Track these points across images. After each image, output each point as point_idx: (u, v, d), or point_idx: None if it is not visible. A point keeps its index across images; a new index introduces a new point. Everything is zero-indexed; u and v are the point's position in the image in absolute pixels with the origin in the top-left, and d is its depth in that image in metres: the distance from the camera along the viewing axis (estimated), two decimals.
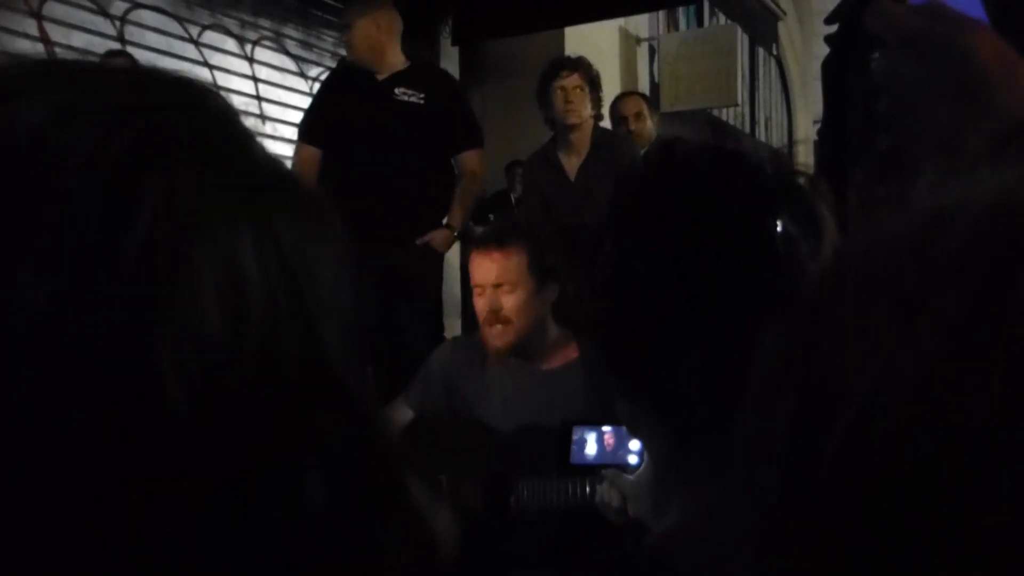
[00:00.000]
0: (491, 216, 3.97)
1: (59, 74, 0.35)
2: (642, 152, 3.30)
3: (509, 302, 1.92)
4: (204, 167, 0.33)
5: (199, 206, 0.32)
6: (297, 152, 3.09)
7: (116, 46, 3.57)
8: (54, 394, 0.28)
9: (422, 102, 3.03)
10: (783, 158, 0.68)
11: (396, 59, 3.11)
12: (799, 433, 0.24)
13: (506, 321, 1.93)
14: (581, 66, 3.23)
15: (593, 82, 3.22)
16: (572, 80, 3.16)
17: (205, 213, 0.32)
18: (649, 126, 3.76)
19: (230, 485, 0.31)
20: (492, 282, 1.93)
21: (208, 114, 0.36)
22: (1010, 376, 0.20)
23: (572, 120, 3.17)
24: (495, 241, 1.96)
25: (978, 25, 0.55)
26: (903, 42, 0.55)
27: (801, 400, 0.24)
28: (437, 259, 3.14)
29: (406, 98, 3.02)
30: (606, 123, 3.63)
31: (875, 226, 0.27)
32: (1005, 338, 0.21)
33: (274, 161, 0.37)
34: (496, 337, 1.94)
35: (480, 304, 1.96)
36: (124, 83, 0.35)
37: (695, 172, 0.67)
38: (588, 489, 1.65)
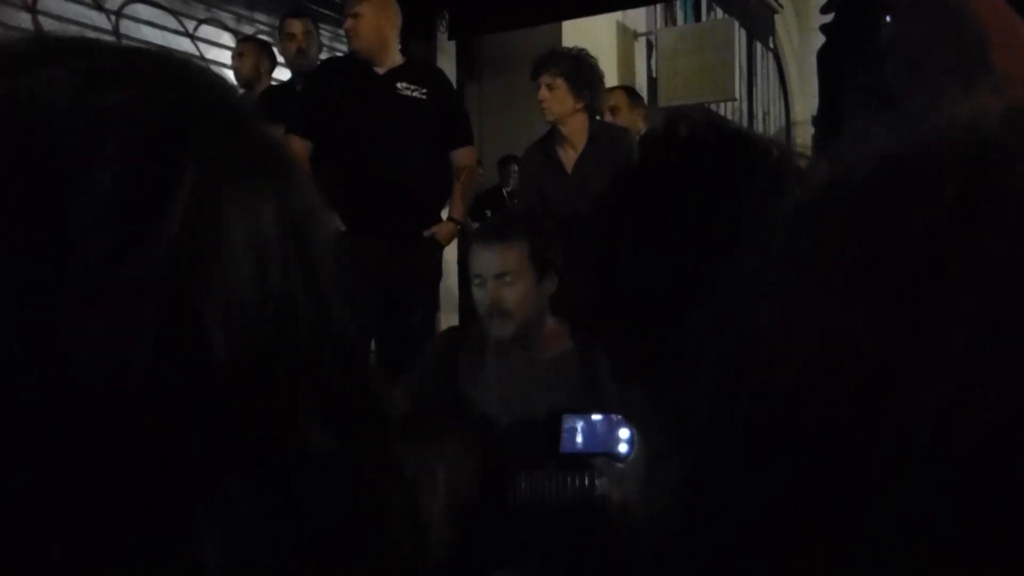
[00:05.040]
0: (488, 212, 3.96)
1: (79, 45, 0.36)
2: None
3: (509, 294, 1.92)
4: (233, 133, 0.35)
5: (231, 170, 0.34)
6: (286, 144, 3.05)
7: (111, 40, 3.56)
8: (116, 335, 0.29)
9: (425, 97, 3.04)
10: (786, 142, 0.68)
11: (395, 54, 3.11)
12: (722, 383, 0.26)
13: (506, 314, 1.93)
14: (552, 63, 3.16)
15: (572, 76, 3.13)
16: (543, 79, 3.14)
17: (235, 177, 0.34)
18: (628, 119, 3.76)
19: (253, 434, 0.33)
20: (493, 273, 1.93)
21: (226, 86, 0.38)
22: (888, 335, 0.21)
23: (546, 117, 3.18)
24: (496, 233, 1.96)
25: None
26: (910, 6, 0.55)
27: (726, 356, 0.26)
28: (439, 252, 3.17)
29: (409, 93, 3.03)
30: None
31: (799, 192, 0.29)
32: (882, 296, 0.22)
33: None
34: (496, 329, 1.95)
35: (479, 295, 1.96)
36: (146, 55, 0.37)
37: (701, 148, 0.66)
38: (587, 483, 1.64)
